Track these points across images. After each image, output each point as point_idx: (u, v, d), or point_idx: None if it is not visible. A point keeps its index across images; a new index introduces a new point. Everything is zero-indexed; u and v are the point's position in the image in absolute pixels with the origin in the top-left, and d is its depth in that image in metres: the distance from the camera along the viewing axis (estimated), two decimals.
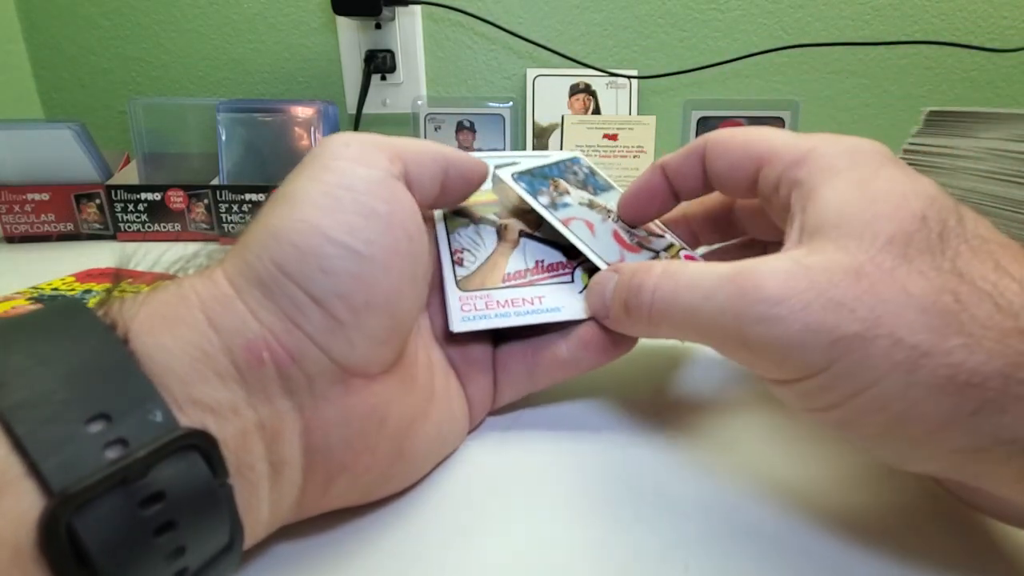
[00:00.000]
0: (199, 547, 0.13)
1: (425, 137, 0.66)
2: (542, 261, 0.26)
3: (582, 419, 0.25)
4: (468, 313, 0.24)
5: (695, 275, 0.18)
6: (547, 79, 0.74)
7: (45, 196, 0.58)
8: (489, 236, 0.26)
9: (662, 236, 0.29)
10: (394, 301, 0.18)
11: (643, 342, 0.24)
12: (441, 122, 0.66)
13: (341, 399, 0.17)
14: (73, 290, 0.42)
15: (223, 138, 0.60)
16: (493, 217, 0.27)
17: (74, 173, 0.58)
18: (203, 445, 0.13)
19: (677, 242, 0.29)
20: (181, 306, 0.15)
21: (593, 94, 0.73)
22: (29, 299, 0.39)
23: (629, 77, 0.73)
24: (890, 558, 0.18)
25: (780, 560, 0.18)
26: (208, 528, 0.13)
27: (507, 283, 0.25)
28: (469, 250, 0.26)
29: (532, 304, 0.25)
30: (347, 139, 0.19)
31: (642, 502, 0.20)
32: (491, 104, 0.66)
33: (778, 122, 0.55)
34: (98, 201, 0.59)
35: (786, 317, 0.16)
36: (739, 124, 0.56)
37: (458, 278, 0.25)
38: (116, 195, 0.58)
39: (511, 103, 0.65)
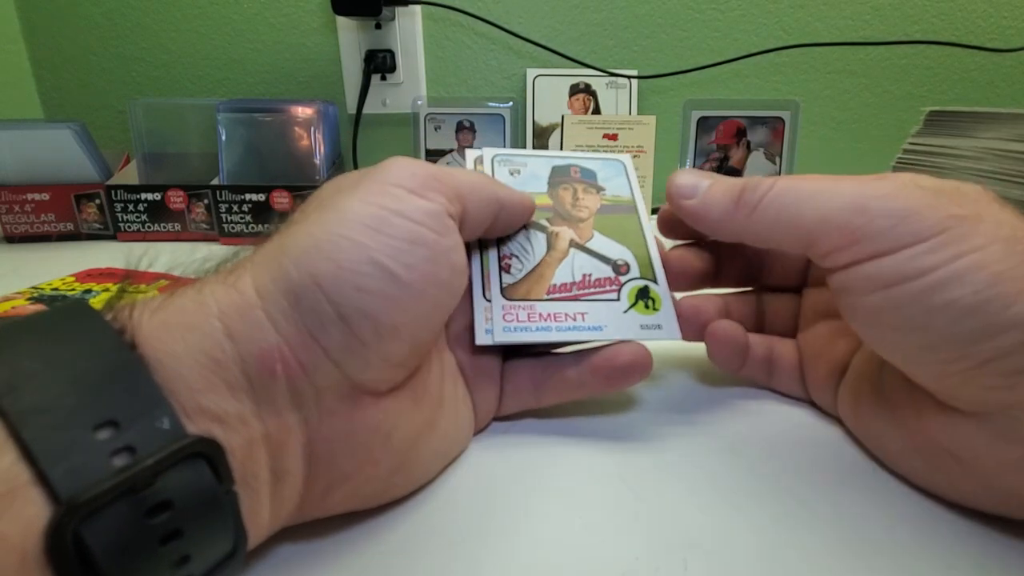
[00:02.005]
0: (203, 555, 0.13)
1: (425, 137, 0.66)
2: (589, 275, 0.26)
3: (583, 422, 0.26)
4: (510, 324, 0.24)
5: (817, 177, 0.20)
6: (547, 79, 0.74)
7: (45, 196, 0.58)
8: (539, 243, 0.26)
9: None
10: (421, 328, 0.18)
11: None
12: (441, 122, 0.66)
13: (348, 413, 0.17)
14: (73, 290, 0.42)
15: (223, 138, 0.60)
16: (545, 223, 0.27)
17: (74, 173, 0.58)
18: (210, 453, 0.13)
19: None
20: (198, 313, 0.15)
21: (593, 94, 0.73)
22: (29, 299, 0.39)
23: (629, 77, 0.73)
24: (889, 558, 0.18)
25: (780, 560, 0.18)
26: (213, 536, 0.13)
27: (551, 295, 0.25)
28: (518, 256, 0.25)
29: (574, 320, 0.24)
30: (413, 168, 0.19)
31: (642, 502, 0.20)
32: (491, 104, 0.66)
33: (778, 122, 0.55)
34: (98, 201, 0.59)
35: (910, 193, 0.18)
36: (739, 124, 0.56)
37: (503, 285, 0.25)
38: (116, 195, 0.58)
39: (511, 103, 0.65)
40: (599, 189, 0.28)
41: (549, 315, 0.24)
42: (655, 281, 0.26)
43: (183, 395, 0.14)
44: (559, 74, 0.74)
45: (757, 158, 0.56)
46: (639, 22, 0.74)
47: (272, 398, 0.15)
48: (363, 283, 0.16)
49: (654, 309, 0.25)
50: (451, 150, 0.67)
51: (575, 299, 0.25)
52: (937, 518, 0.20)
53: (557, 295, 0.25)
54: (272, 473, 0.16)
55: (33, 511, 0.11)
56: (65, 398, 0.12)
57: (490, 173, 0.28)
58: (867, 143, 0.76)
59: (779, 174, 0.56)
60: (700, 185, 0.23)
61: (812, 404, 0.27)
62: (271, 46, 0.76)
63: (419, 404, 0.20)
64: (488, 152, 0.29)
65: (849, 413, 0.24)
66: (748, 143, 0.56)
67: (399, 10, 0.71)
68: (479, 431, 0.25)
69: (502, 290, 0.24)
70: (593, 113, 0.73)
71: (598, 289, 0.25)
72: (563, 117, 0.61)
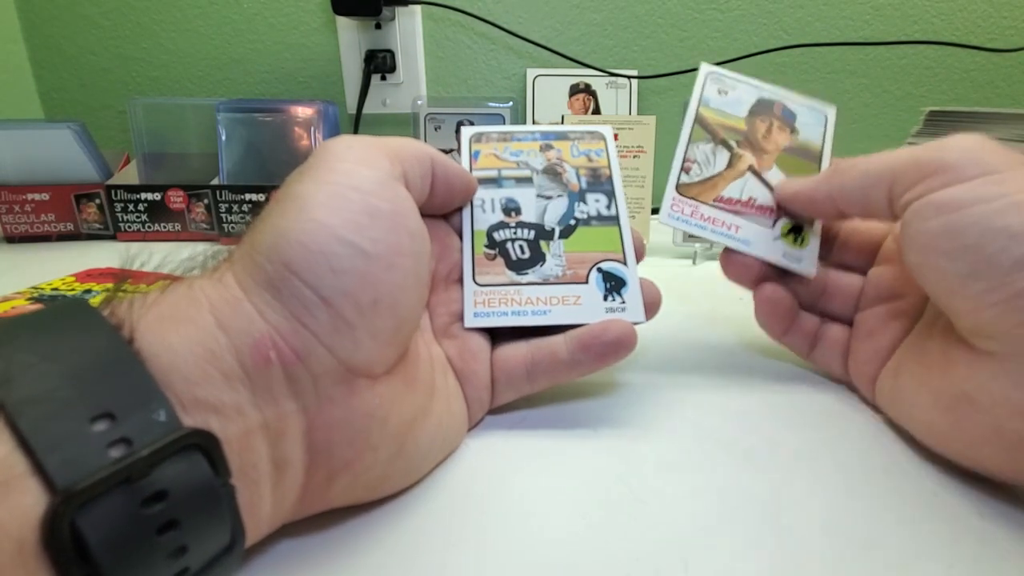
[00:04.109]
0: (201, 547, 0.13)
1: (425, 137, 0.66)
2: (754, 199, 0.28)
3: (581, 419, 0.25)
4: (677, 212, 0.27)
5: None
6: (547, 79, 0.74)
7: (45, 196, 0.58)
8: (722, 159, 0.29)
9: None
10: (399, 299, 0.18)
11: (641, 342, 0.24)
12: (441, 122, 0.66)
13: (345, 399, 0.17)
14: (73, 290, 0.42)
15: (223, 138, 0.60)
16: (733, 144, 0.29)
17: (74, 173, 0.58)
18: (206, 445, 0.13)
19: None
20: (191, 308, 0.16)
21: (593, 94, 0.73)
22: (29, 299, 0.39)
23: (629, 77, 0.73)
24: (890, 559, 0.18)
25: (780, 560, 0.18)
26: (210, 528, 0.13)
27: (716, 203, 0.28)
28: (699, 164, 0.28)
29: (728, 229, 0.27)
30: (349, 142, 0.20)
31: (641, 502, 0.20)
32: (491, 104, 0.65)
33: None
34: (98, 201, 0.59)
35: (976, 143, 0.20)
36: None
37: (680, 182, 0.28)
38: (116, 195, 0.58)
39: (511, 103, 0.65)
40: (792, 130, 0.30)
41: (710, 218, 0.28)
42: (810, 224, 0.28)
43: (179, 387, 0.14)
44: (559, 74, 0.74)
45: None
46: (639, 22, 0.74)
47: (269, 387, 0.16)
48: (336, 264, 0.17)
49: (801, 245, 0.28)
50: (451, 150, 0.67)
51: (736, 213, 0.28)
52: (937, 519, 0.20)
53: (722, 205, 0.28)
54: (273, 464, 0.16)
55: (30, 501, 0.11)
56: (61, 390, 0.12)
57: (700, 88, 0.31)
58: (867, 143, 0.76)
59: None
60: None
61: (816, 405, 0.27)
62: (271, 46, 0.77)
63: (412, 389, 0.20)
64: (705, 68, 0.31)
65: (887, 388, 0.25)
66: None
67: (399, 10, 0.71)
68: (474, 425, 0.25)
69: (677, 185, 0.28)
70: (593, 113, 0.73)
71: (758, 213, 0.28)
72: (563, 117, 0.61)
